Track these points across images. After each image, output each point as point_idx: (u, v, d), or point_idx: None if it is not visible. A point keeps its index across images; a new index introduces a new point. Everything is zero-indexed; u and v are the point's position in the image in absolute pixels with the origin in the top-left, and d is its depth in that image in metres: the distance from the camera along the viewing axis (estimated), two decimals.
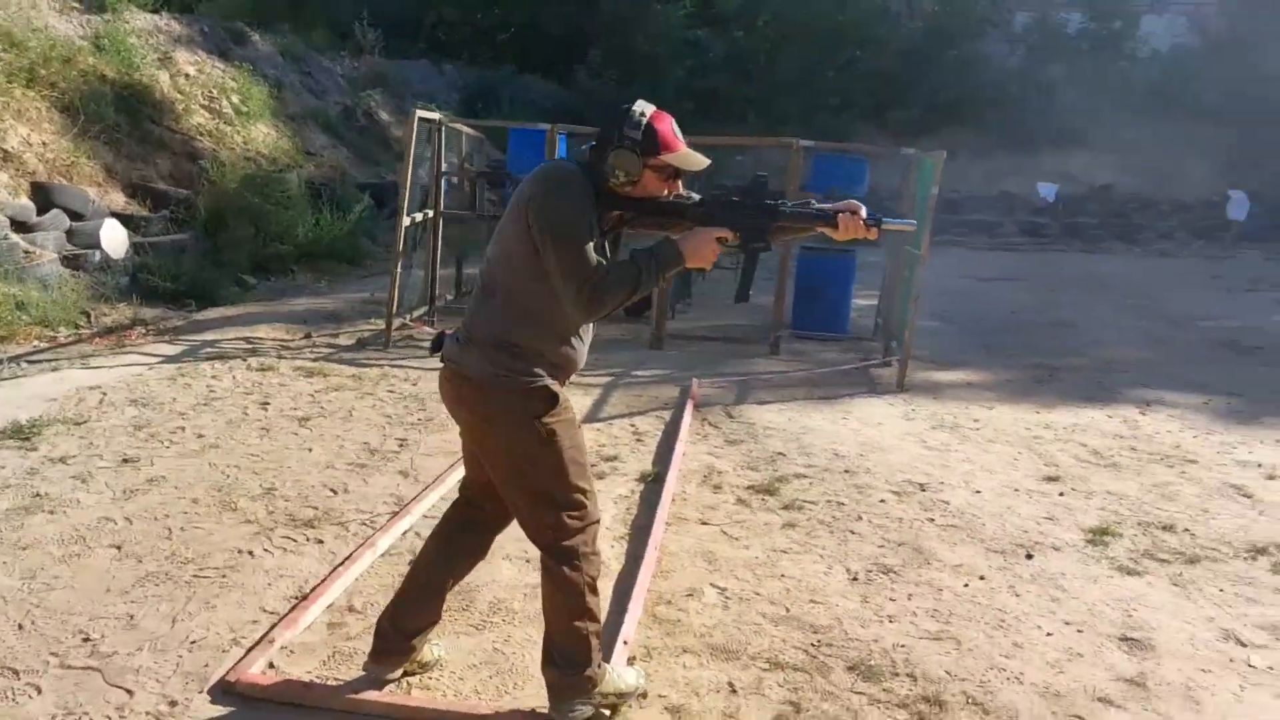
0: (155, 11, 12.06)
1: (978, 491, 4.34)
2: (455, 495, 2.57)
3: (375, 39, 17.62)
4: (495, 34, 21.85)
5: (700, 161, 2.24)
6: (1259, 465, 4.90)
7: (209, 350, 6.29)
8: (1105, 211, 18.26)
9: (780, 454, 4.80)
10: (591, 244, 2.13)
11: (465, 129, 8.78)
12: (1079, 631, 3.01)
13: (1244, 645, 2.97)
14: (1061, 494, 4.37)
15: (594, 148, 2.22)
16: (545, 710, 2.33)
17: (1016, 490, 4.40)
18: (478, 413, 2.24)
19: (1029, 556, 3.61)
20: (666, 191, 2.28)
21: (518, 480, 2.25)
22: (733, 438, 5.06)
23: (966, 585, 3.33)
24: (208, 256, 8.68)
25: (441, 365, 2.29)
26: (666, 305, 7.80)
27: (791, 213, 2.28)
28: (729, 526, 3.79)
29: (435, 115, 7.80)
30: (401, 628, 2.43)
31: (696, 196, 2.34)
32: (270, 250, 9.42)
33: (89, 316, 6.81)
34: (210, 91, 11.61)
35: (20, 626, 2.68)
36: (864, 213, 2.25)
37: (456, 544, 2.47)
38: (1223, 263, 14.85)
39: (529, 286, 2.16)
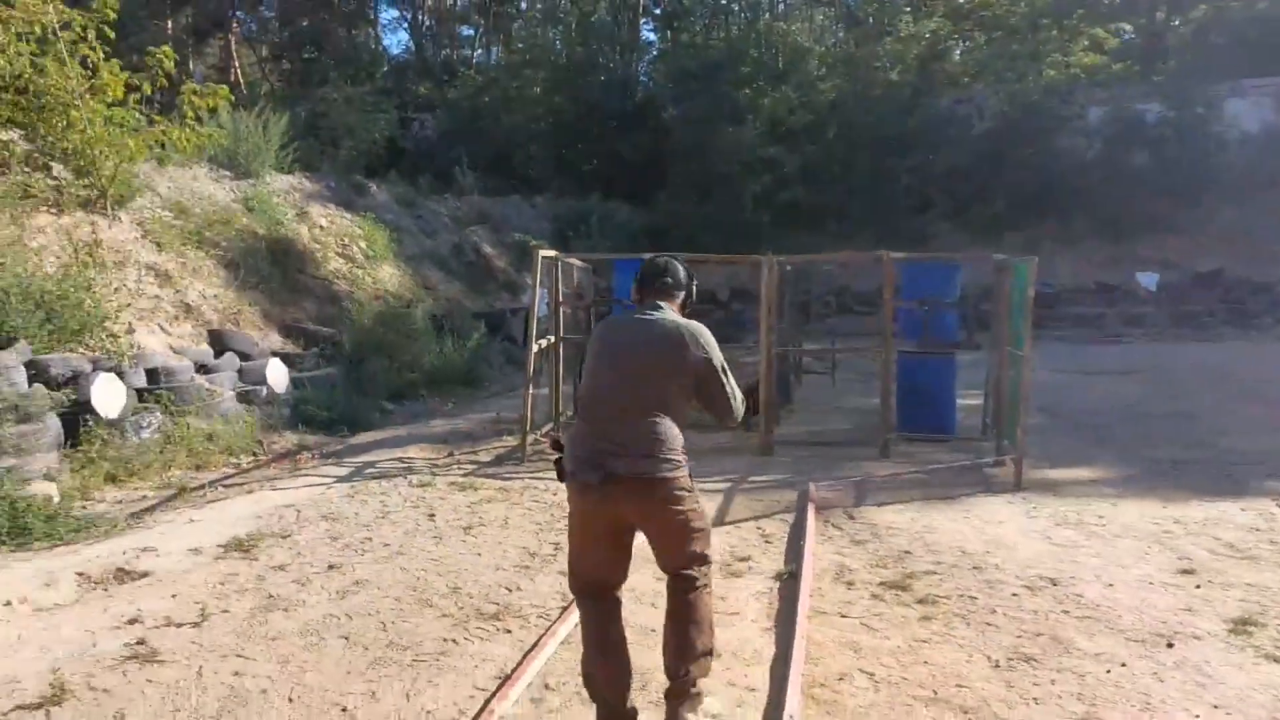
0: (289, 173, 13.57)
1: (1110, 585, 4.43)
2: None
3: (474, 180, 19.15)
4: (580, 166, 23.45)
5: None
6: None
7: (371, 470, 6.98)
8: (1214, 298, 17.87)
9: (907, 552, 5.03)
10: None
11: (576, 262, 9.56)
12: (1228, 715, 3.12)
13: None
14: (1198, 586, 4.39)
15: (673, 291, 3.15)
16: None
17: (1151, 583, 4.46)
18: (667, 501, 2.91)
19: (1170, 645, 3.71)
20: None
21: (689, 532, 2.96)
22: (857, 538, 5.32)
23: (1109, 671, 3.48)
24: (353, 387, 9.57)
25: (612, 481, 2.85)
26: (775, 413, 8.17)
27: None
28: (868, 619, 4.05)
29: (553, 253, 8.58)
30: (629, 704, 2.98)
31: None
32: (403, 379, 10.29)
33: (262, 444, 7.64)
34: (342, 240, 12.89)
35: (290, 700, 3.23)
36: None
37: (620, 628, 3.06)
38: None
39: (680, 408, 3.02)
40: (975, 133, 22.17)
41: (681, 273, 3.16)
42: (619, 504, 2.89)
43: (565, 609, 4.03)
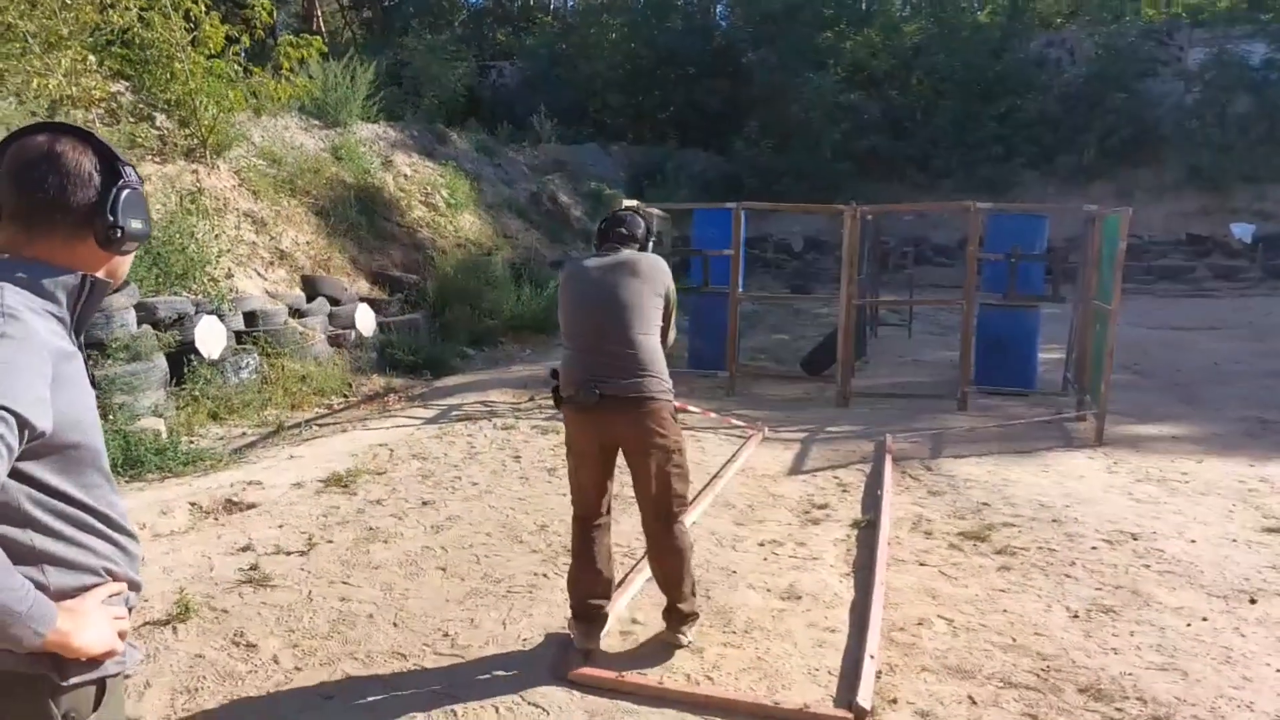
0: (374, 122, 13.81)
1: (1192, 541, 4.44)
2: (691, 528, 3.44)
3: (551, 129, 19.18)
4: (656, 114, 23.24)
5: None
6: None
7: (457, 413, 7.24)
8: None
9: (985, 504, 5.06)
10: None
11: (656, 211, 9.62)
12: None
13: None
14: None
15: (628, 241, 3.34)
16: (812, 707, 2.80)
17: (1234, 540, 4.46)
18: (656, 421, 3.08)
19: (1253, 601, 3.73)
20: None
21: (672, 464, 3.13)
22: (934, 489, 5.36)
23: (1189, 625, 3.51)
24: (436, 332, 9.86)
25: (605, 400, 3.03)
26: (850, 365, 8.16)
27: None
28: (945, 568, 4.12)
29: (634, 203, 8.64)
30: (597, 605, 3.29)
31: None
32: (483, 325, 10.55)
33: (351, 386, 7.99)
34: (425, 188, 13.14)
35: (395, 624, 3.46)
36: None
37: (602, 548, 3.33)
38: None
39: (656, 333, 3.20)
40: (1066, 77, 21.21)
41: (640, 228, 3.44)
42: (611, 424, 3.08)
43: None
